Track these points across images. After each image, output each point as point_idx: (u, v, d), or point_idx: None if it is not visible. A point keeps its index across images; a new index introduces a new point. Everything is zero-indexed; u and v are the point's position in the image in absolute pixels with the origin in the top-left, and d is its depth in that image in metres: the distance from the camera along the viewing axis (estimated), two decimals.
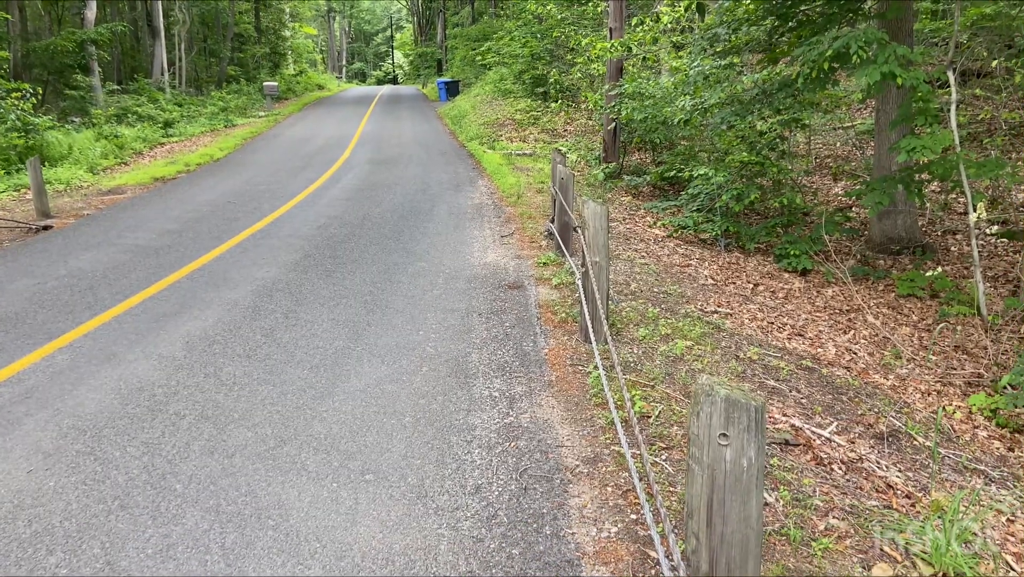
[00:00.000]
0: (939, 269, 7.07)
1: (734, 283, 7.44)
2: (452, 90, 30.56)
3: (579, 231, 5.67)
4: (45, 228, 9.20)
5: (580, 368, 4.81)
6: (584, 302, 5.10)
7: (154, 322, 5.62)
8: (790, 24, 8.97)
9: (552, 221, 8.17)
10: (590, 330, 4.94)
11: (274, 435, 3.89)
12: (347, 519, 3.18)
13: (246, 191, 11.71)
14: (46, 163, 13.44)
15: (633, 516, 3.21)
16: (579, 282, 5.32)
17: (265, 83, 31.52)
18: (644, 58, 15.03)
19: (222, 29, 33.50)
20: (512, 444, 3.85)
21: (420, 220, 9.47)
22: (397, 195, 11.27)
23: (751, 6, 9.08)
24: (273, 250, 7.87)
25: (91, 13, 21.07)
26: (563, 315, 5.78)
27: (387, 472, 3.56)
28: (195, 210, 10.17)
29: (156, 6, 25.18)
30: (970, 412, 4.93)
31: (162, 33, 25.60)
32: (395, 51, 70.46)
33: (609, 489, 3.43)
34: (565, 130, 17.56)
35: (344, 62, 70.45)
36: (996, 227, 6.68)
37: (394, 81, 59.99)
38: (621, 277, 6.88)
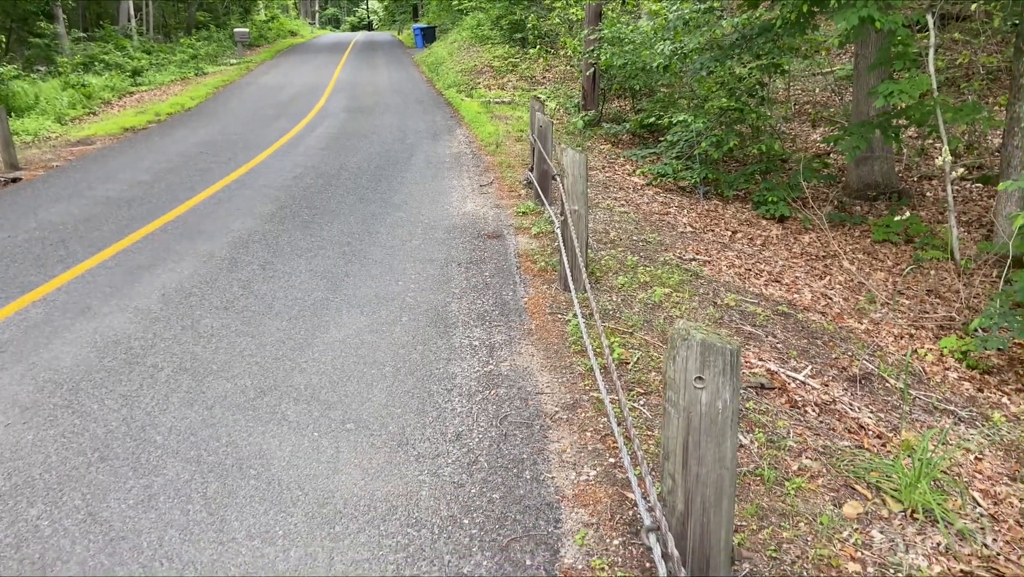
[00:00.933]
0: (908, 213, 7.12)
1: (712, 231, 7.46)
2: (428, 36, 29.93)
3: (558, 179, 5.63)
4: (14, 180, 8.99)
5: (560, 316, 4.83)
6: (563, 251, 5.09)
7: (128, 275, 5.55)
8: None
9: (531, 170, 8.11)
10: (569, 279, 4.95)
11: (254, 386, 3.89)
12: (328, 467, 3.21)
13: (219, 141, 11.48)
14: (12, 114, 13.07)
15: (611, 460, 3.26)
16: (558, 231, 5.31)
17: (235, 29, 30.65)
18: (623, 2, 14.77)
19: None
20: (492, 392, 3.88)
21: (398, 170, 9.36)
22: (374, 144, 11.11)
23: None
24: (249, 201, 7.76)
25: None
26: (542, 264, 5.78)
27: (368, 421, 3.58)
28: (167, 161, 9.97)
29: None
30: (941, 355, 5.03)
31: None
32: None
33: (588, 434, 3.48)
34: (544, 77, 17.32)
35: (317, 8, 68.60)
36: (962, 170, 6.70)
37: (369, 27, 58.64)
38: (600, 225, 6.87)
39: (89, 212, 7.37)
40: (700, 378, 1.97)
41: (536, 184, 7.47)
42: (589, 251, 5.76)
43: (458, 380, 4.00)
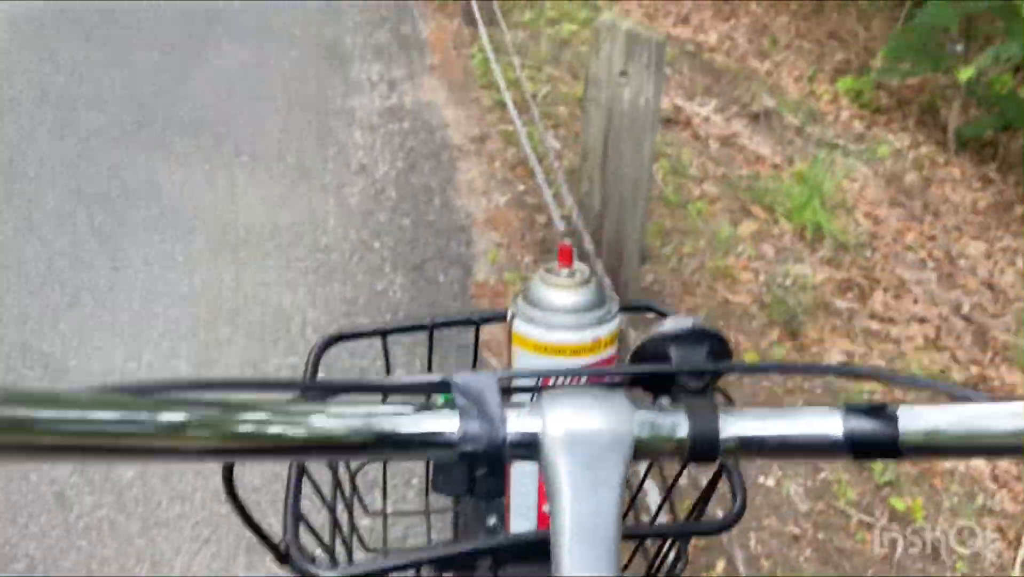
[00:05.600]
0: None
1: None
2: None
3: None
4: None
5: (463, 51, 4.57)
6: None
7: None
8: None
9: None
10: (475, 10, 4.62)
11: (131, 119, 3.56)
12: (226, 197, 3.05)
13: None
14: None
15: (521, 187, 3.24)
16: None
17: None
18: None
19: None
20: (397, 126, 3.71)
21: None
22: None
23: None
24: None
25: None
26: None
27: (263, 154, 3.38)
28: None
29: None
30: (836, 95, 5.14)
31: None
32: None
33: (497, 164, 3.42)
34: None
35: None
36: None
37: None
38: None
39: None
40: (624, 72, 1.88)
41: None
42: None
43: (358, 114, 3.79)
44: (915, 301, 3.06)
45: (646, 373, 0.51)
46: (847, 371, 0.49)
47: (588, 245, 1.97)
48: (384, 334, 0.70)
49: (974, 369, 2.75)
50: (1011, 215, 4.13)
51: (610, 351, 0.66)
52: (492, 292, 2.65)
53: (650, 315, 0.79)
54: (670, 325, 0.51)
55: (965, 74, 4.32)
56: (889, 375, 0.51)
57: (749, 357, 2.48)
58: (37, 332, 2.33)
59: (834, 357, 2.57)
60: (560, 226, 2.17)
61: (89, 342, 2.31)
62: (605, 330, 0.65)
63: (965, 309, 3.11)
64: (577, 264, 0.66)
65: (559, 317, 0.63)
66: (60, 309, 2.42)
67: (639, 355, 0.52)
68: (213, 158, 3.30)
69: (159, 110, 3.65)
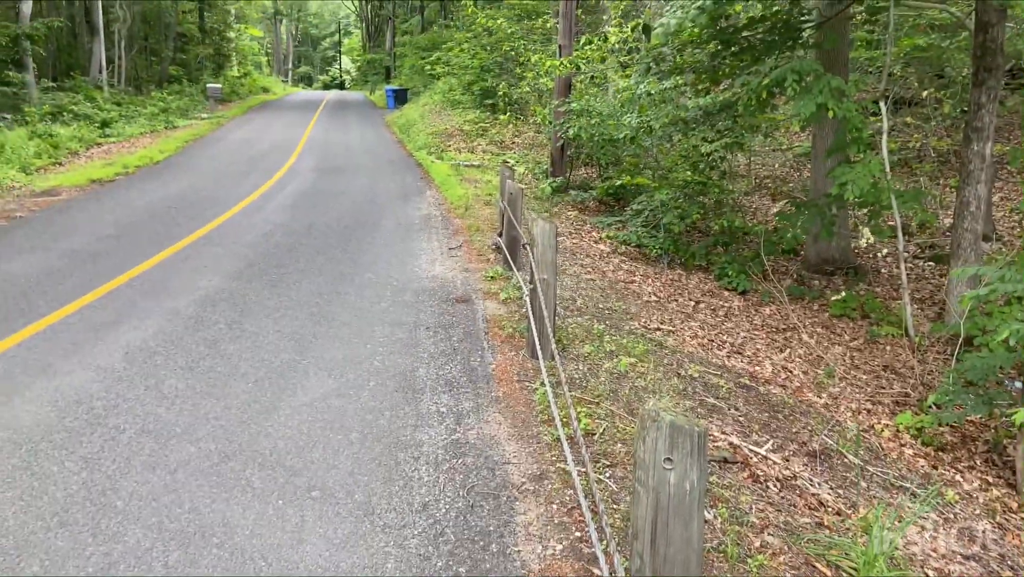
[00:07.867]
0: (843, 294, 7.44)
1: (676, 300, 7.62)
2: (400, 98, 30.42)
3: (528, 248, 5.76)
4: None
5: (527, 384, 4.88)
6: (531, 319, 5.17)
7: (91, 332, 5.48)
8: (732, 49, 9.27)
9: (500, 235, 8.24)
10: (537, 346, 5.02)
11: (218, 450, 3.85)
12: (293, 537, 3.17)
13: (188, 196, 11.47)
14: None
15: (578, 533, 3.28)
16: (527, 298, 5.40)
17: (208, 84, 30.92)
18: (592, 76, 15.26)
19: (164, 28, 32.65)
20: (459, 461, 3.88)
21: (367, 231, 9.44)
22: (344, 204, 11.20)
23: (696, 31, 9.36)
24: (216, 258, 7.74)
25: (27, 7, 20.32)
26: (510, 330, 5.84)
27: (334, 489, 3.56)
28: (134, 214, 9.93)
29: (96, 3, 24.46)
30: (897, 431, 5.17)
31: (101, 30, 24.84)
32: (343, 56, 69.93)
33: (555, 507, 3.50)
34: (513, 142, 17.69)
35: (290, 65, 69.46)
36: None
37: (341, 87, 59.48)
38: (567, 293, 6.98)
39: (52, 265, 7.28)
40: (669, 459, 2.03)
41: (505, 250, 7.59)
42: (556, 319, 5.86)
43: (425, 448, 4.00)
44: None
45: None
46: None
47: None
48: None
49: None
50: None
51: None
52: None
53: None
54: None
55: (1020, 417, 4.34)
56: None
57: None
58: None
59: None
60: None
61: None
62: None
63: None
64: None
65: None
66: None
67: None
68: (286, 493, 3.49)
69: (243, 442, 3.94)
